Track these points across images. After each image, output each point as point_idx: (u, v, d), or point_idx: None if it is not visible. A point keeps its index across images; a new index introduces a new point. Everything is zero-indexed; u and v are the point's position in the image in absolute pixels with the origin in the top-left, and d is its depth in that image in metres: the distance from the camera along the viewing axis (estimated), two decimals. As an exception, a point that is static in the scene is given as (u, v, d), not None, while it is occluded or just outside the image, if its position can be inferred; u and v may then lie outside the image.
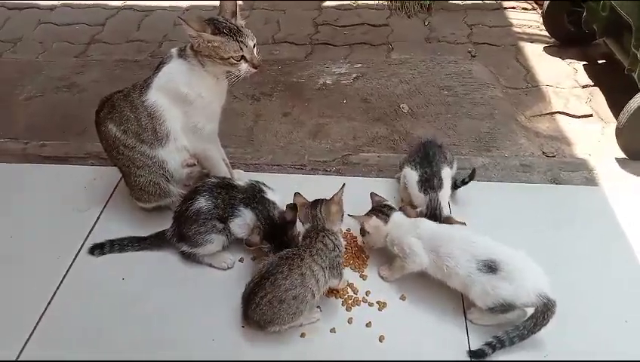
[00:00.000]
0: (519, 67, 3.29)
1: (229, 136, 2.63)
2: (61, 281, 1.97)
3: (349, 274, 1.93)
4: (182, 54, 1.93)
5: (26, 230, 2.19)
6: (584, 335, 1.72)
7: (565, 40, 3.39)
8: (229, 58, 1.83)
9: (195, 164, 2.12)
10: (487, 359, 1.65)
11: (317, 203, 1.82)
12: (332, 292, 1.86)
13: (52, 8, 4.26)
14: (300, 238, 1.82)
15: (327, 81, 3.20)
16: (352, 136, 2.79)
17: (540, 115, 2.89)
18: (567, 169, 2.39)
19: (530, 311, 1.66)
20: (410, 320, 1.80)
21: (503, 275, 1.64)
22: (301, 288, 1.65)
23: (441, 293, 1.83)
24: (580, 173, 2.37)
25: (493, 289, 1.63)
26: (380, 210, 1.90)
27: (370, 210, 1.93)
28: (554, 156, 2.59)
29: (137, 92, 1.98)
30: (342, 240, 1.81)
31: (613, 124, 2.59)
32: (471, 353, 1.67)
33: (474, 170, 2.14)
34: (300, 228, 1.89)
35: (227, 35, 1.82)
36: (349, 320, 1.80)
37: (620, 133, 2.42)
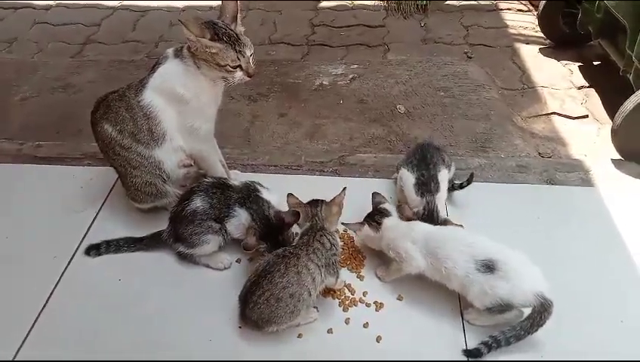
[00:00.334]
0: (515, 68, 3.30)
1: (226, 137, 2.63)
2: (57, 282, 1.96)
3: (346, 275, 1.94)
4: (178, 55, 1.92)
5: (22, 231, 2.18)
6: (580, 336, 1.72)
7: (561, 41, 3.40)
8: (225, 65, 1.84)
9: (191, 165, 2.12)
10: (483, 358, 1.65)
11: (317, 203, 1.83)
12: (329, 292, 1.86)
13: (47, 8, 4.25)
14: (297, 237, 1.82)
15: (324, 82, 3.20)
16: (349, 136, 2.79)
17: (536, 116, 2.90)
18: (562, 170, 2.40)
19: (527, 311, 1.67)
20: (407, 320, 1.80)
21: (500, 275, 1.64)
22: (297, 286, 1.66)
23: (438, 294, 1.83)
24: (575, 173, 2.38)
25: (491, 289, 1.64)
26: (373, 218, 1.90)
27: (365, 217, 1.93)
28: (550, 157, 2.60)
29: (133, 92, 1.97)
30: (339, 239, 1.81)
31: (608, 125, 2.60)
32: (466, 352, 1.68)
33: (472, 175, 2.14)
34: (294, 227, 1.89)
35: (226, 42, 1.82)
36: (346, 321, 1.80)
37: (615, 134, 2.42)
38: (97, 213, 2.22)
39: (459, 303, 1.83)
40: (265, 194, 1.95)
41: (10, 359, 1.74)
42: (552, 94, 3.05)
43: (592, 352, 1.68)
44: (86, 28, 3.97)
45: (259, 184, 2.00)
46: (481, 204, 2.18)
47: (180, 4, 4.19)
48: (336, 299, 1.86)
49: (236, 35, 1.85)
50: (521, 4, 3.98)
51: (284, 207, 1.93)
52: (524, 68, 3.29)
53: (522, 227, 2.06)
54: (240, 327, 1.77)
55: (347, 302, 1.85)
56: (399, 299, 1.87)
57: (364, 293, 1.89)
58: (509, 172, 2.40)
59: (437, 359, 1.69)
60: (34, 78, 3.36)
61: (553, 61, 3.33)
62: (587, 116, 2.87)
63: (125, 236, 2.06)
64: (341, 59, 3.47)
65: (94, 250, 2.04)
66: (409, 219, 1.92)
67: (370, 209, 1.98)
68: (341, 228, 1.99)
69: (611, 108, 2.71)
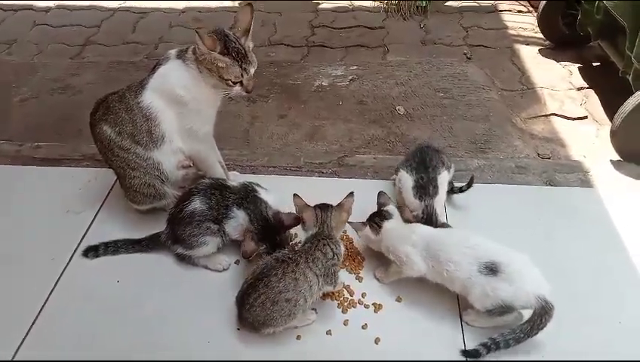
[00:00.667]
0: (514, 69, 3.30)
1: (225, 138, 2.63)
2: (56, 283, 1.96)
3: (345, 276, 1.93)
4: (181, 56, 1.92)
5: (20, 232, 2.18)
6: (579, 336, 1.72)
7: (560, 42, 3.40)
8: (227, 80, 1.86)
9: (190, 166, 2.12)
10: (481, 359, 1.64)
11: (327, 208, 1.80)
12: (328, 294, 1.85)
13: (47, 10, 4.25)
14: (302, 242, 1.81)
15: (323, 83, 3.20)
16: (348, 138, 2.79)
17: (535, 117, 2.90)
18: (562, 171, 2.40)
19: (527, 314, 1.66)
20: (405, 322, 1.80)
21: (503, 277, 1.63)
22: (294, 292, 1.65)
23: (437, 295, 1.83)
24: (574, 174, 2.37)
25: (493, 291, 1.63)
26: (375, 219, 1.89)
27: (369, 217, 1.92)
28: (549, 158, 2.60)
29: (132, 93, 1.97)
30: (342, 247, 1.79)
31: (607, 126, 2.60)
32: (465, 353, 1.67)
33: (472, 179, 2.14)
34: (301, 235, 1.89)
35: (234, 58, 1.83)
36: (345, 322, 1.80)
37: (614, 135, 2.42)
38: (96, 215, 2.22)
39: (458, 305, 1.82)
40: (263, 195, 1.95)
41: (9, 359, 1.74)
42: (552, 95, 3.05)
43: (590, 353, 1.68)
44: (86, 29, 3.97)
45: (257, 185, 2.00)
46: (480, 205, 2.17)
47: (180, 6, 4.19)
48: (335, 301, 1.86)
49: (244, 51, 1.86)
50: (521, 5, 3.98)
51: (283, 208, 1.93)
52: (523, 69, 3.29)
53: (521, 228, 2.05)
54: (238, 329, 1.77)
55: (346, 304, 1.85)
56: (398, 300, 1.86)
57: (363, 295, 1.88)
58: (509, 173, 2.40)
59: (435, 360, 1.69)
60: (33, 79, 3.37)
61: (553, 62, 3.33)
62: (586, 117, 2.87)
63: (124, 237, 2.06)
64: (341, 60, 3.47)
65: (92, 251, 2.04)
66: (408, 222, 1.91)
67: (373, 209, 1.97)
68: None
69: (610, 109, 2.71)
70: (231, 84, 1.88)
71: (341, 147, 2.72)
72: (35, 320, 1.85)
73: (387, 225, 1.86)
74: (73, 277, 1.99)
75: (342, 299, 1.87)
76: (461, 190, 2.16)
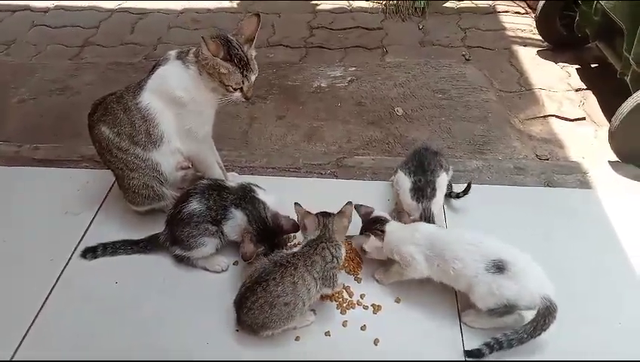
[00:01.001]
0: (513, 71, 3.31)
1: (224, 139, 2.63)
2: (54, 284, 1.96)
3: (344, 278, 1.93)
4: (181, 57, 1.92)
5: (19, 233, 2.17)
6: (578, 337, 1.72)
7: (558, 44, 3.42)
8: (228, 85, 1.87)
9: (189, 167, 2.12)
10: (484, 359, 1.64)
11: (328, 214, 1.81)
12: (327, 295, 1.85)
13: (46, 10, 4.25)
14: (301, 245, 1.80)
15: (322, 84, 3.20)
16: (347, 139, 2.79)
17: (534, 118, 2.91)
18: (560, 172, 2.40)
19: (528, 317, 1.66)
20: (404, 323, 1.80)
21: (509, 275, 1.62)
22: (292, 296, 1.65)
23: (436, 296, 1.83)
24: (573, 175, 2.38)
25: (498, 289, 1.62)
26: (374, 226, 1.87)
27: (364, 228, 1.91)
28: (547, 159, 2.60)
29: (131, 94, 1.97)
30: (343, 251, 1.78)
31: (606, 127, 2.61)
32: (467, 353, 1.66)
33: (469, 184, 2.15)
34: (299, 236, 1.88)
35: (236, 65, 1.84)
36: (344, 323, 1.80)
37: (612, 136, 2.43)
38: (94, 216, 2.22)
39: (457, 306, 1.82)
40: (261, 195, 1.94)
41: (8, 359, 1.74)
42: (550, 96, 3.05)
43: (589, 353, 1.68)
44: (84, 30, 3.97)
45: (255, 185, 2.00)
46: (478, 206, 2.18)
47: (178, 7, 4.19)
48: (334, 302, 1.86)
49: (247, 59, 1.87)
50: (519, 6, 3.99)
51: (282, 209, 1.93)
52: (521, 70, 3.30)
53: (520, 229, 2.05)
54: (237, 330, 1.77)
55: (345, 305, 1.85)
56: (397, 301, 1.86)
57: (362, 296, 1.88)
58: (507, 174, 2.40)
59: (436, 360, 1.69)
60: (32, 80, 3.36)
61: (551, 63, 3.34)
62: (585, 118, 2.88)
63: (122, 239, 2.05)
64: (339, 61, 3.48)
65: (91, 252, 2.03)
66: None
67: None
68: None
69: (609, 110, 2.71)
70: (231, 90, 1.89)
71: (340, 148, 2.72)
72: (33, 321, 1.84)
73: (388, 228, 1.86)
74: (72, 278, 1.98)
75: (341, 300, 1.86)
76: (458, 196, 2.16)
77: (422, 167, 2.06)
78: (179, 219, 1.91)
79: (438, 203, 2.03)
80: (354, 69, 3.33)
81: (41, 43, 3.85)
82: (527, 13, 3.89)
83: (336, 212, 1.82)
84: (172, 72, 1.92)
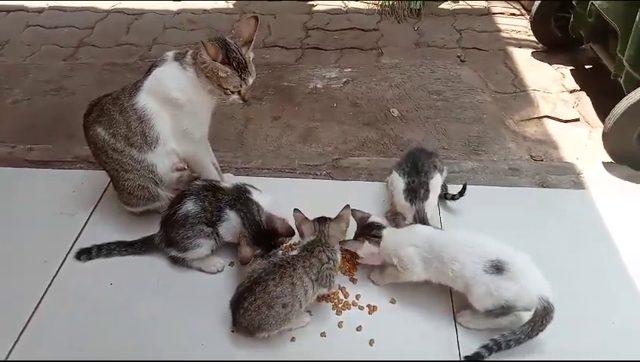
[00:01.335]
0: (508, 72, 3.32)
1: (220, 140, 2.63)
2: (49, 285, 1.95)
3: (340, 278, 1.93)
4: (178, 58, 1.92)
5: (13, 234, 2.16)
6: (572, 337, 1.73)
7: (553, 45, 3.43)
8: (226, 89, 1.87)
9: (184, 168, 2.11)
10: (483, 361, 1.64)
11: (325, 220, 1.82)
12: (323, 296, 1.85)
13: (40, 11, 4.23)
14: (299, 248, 1.80)
15: (318, 85, 3.21)
16: (343, 140, 2.79)
17: (528, 120, 2.92)
18: (554, 173, 2.42)
19: (525, 318, 1.67)
20: (400, 323, 1.80)
21: (508, 275, 1.63)
22: (290, 297, 1.65)
23: (431, 297, 1.84)
24: (567, 176, 2.39)
25: (496, 290, 1.62)
26: (370, 233, 1.87)
27: (359, 233, 1.91)
28: (542, 160, 2.61)
29: (127, 95, 1.97)
30: (339, 256, 1.80)
31: (600, 128, 2.62)
32: (466, 358, 1.66)
33: (464, 186, 2.15)
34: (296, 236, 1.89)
35: (234, 68, 1.84)
36: (339, 324, 1.80)
37: (606, 137, 2.44)
38: (89, 217, 2.21)
39: (452, 306, 1.83)
40: (256, 196, 1.94)
41: (3, 359, 1.74)
42: (544, 98, 3.07)
43: (583, 353, 1.69)
44: (79, 31, 3.95)
45: (250, 186, 2.00)
46: (473, 207, 2.18)
47: (174, 7, 4.18)
48: (330, 303, 1.86)
49: (245, 62, 1.87)
50: (514, 8, 4.01)
51: (277, 209, 1.93)
52: (516, 71, 3.31)
53: (514, 230, 2.05)
54: (233, 331, 1.77)
55: (340, 306, 1.85)
56: (392, 302, 1.87)
57: (358, 296, 1.88)
58: (502, 175, 2.41)
59: (433, 360, 1.69)
60: (26, 80, 3.35)
61: (545, 65, 3.35)
62: (579, 119, 2.89)
63: (117, 240, 2.05)
64: (335, 62, 3.48)
65: (85, 254, 2.03)
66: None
67: (368, 210, 1.96)
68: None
69: (602, 111, 2.73)
70: (229, 93, 1.89)
71: (335, 149, 2.73)
72: (28, 322, 1.84)
73: (385, 233, 1.86)
74: (66, 279, 1.98)
75: (336, 300, 1.87)
76: (454, 197, 2.17)
77: (416, 168, 2.06)
78: (173, 221, 1.91)
79: (431, 204, 2.03)
80: (349, 70, 3.33)
81: (35, 43, 3.83)
82: (522, 15, 3.91)
83: (333, 214, 1.82)
84: (169, 73, 1.92)
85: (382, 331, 1.78)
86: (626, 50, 2.44)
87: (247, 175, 2.42)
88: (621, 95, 2.41)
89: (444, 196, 2.18)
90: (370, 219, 1.93)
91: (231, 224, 1.90)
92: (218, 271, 1.98)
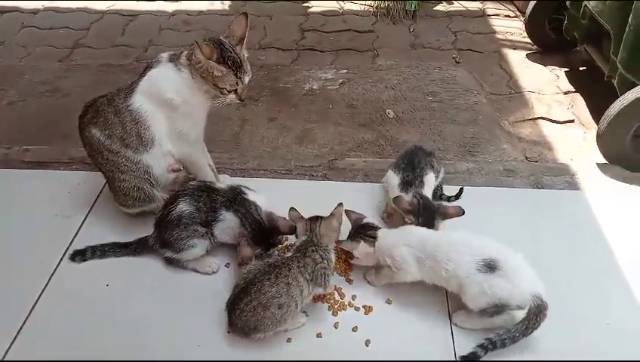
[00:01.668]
0: (502, 73, 3.33)
1: (216, 141, 2.63)
2: (45, 286, 1.95)
3: (336, 279, 1.93)
4: (173, 60, 1.92)
5: (9, 235, 2.16)
6: (566, 337, 1.74)
7: (547, 47, 3.45)
8: (222, 88, 1.87)
9: (180, 169, 2.11)
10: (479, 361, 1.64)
11: (316, 219, 1.82)
12: (319, 296, 1.85)
13: (35, 12, 4.22)
14: (293, 249, 1.81)
15: (314, 87, 3.21)
16: (339, 141, 2.80)
17: (523, 121, 2.93)
18: (549, 173, 2.43)
19: (519, 317, 1.67)
20: (396, 324, 1.81)
21: (500, 273, 1.64)
22: (286, 297, 1.65)
23: (426, 297, 1.84)
24: (562, 177, 2.40)
25: (490, 289, 1.63)
26: (365, 233, 1.88)
27: (355, 234, 1.91)
28: (536, 161, 2.63)
29: (122, 96, 1.97)
30: (333, 255, 1.80)
31: (594, 129, 2.64)
32: (462, 358, 1.66)
33: (461, 189, 2.18)
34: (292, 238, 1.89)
35: (230, 67, 1.85)
36: (335, 325, 1.81)
37: (600, 138, 2.45)
38: (85, 218, 2.21)
39: (447, 306, 1.84)
40: (252, 196, 1.94)
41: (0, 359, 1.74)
42: (539, 99, 3.08)
43: (577, 353, 1.70)
44: (75, 32, 3.94)
45: (245, 186, 1.99)
46: (468, 208, 2.16)
47: (170, 9, 4.18)
48: (326, 303, 1.86)
49: (240, 61, 1.87)
50: (509, 9, 4.02)
51: (271, 209, 1.93)
52: (511, 73, 3.32)
53: (509, 230, 2.07)
54: (229, 332, 1.77)
55: (336, 306, 1.85)
56: (388, 302, 1.87)
57: (353, 297, 1.89)
58: (497, 176, 2.42)
59: (430, 360, 1.70)
60: (21, 82, 3.34)
61: (540, 66, 3.37)
62: (573, 121, 2.91)
63: (113, 241, 2.05)
64: (331, 63, 3.48)
65: (79, 255, 2.02)
66: (406, 211, 1.92)
67: (363, 211, 1.97)
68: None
69: (597, 112, 2.74)
70: (225, 92, 1.89)
71: (331, 150, 2.73)
72: (24, 322, 1.84)
73: (380, 233, 1.87)
74: (62, 280, 1.97)
75: (332, 301, 1.87)
76: (449, 199, 2.18)
77: (412, 165, 2.07)
78: (167, 221, 1.90)
79: (427, 193, 2.02)
80: (345, 71, 3.34)
81: (30, 44, 3.82)
82: (516, 17, 3.92)
83: (327, 214, 1.83)
84: (164, 74, 1.92)
85: (378, 331, 1.78)
86: (619, 52, 2.46)
87: (244, 176, 2.42)
88: (615, 96, 2.43)
89: (440, 197, 2.19)
90: (365, 221, 1.94)
91: (227, 225, 1.90)
92: (213, 272, 1.97)
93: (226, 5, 4.23)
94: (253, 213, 1.89)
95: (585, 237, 2.09)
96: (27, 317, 1.85)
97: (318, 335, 1.77)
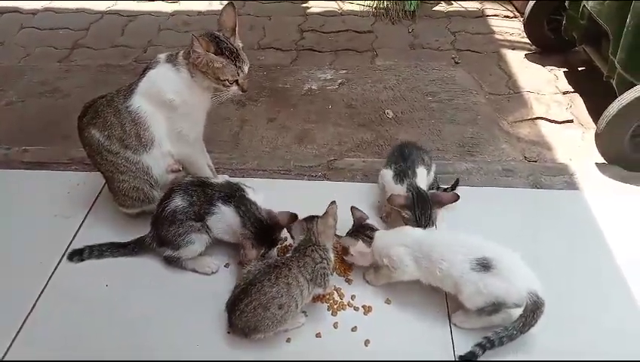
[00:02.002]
0: (501, 74, 3.34)
1: (215, 142, 2.63)
2: (44, 287, 1.95)
3: (335, 279, 1.93)
4: (171, 60, 1.92)
5: (8, 236, 2.16)
6: (566, 337, 1.74)
7: (546, 47, 3.45)
8: (224, 80, 1.87)
9: (179, 170, 2.11)
10: (478, 360, 1.65)
11: (312, 218, 1.83)
12: (318, 296, 1.85)
13: (35, 13, 4.22)
14: (292, 249, 1.81)
15: (313, 87, 3.21)
16: (338, 141, 2.80)
17: (522, 121, 2.94)
18: (548, 173, 2.43)
19: (516, 315, 1.67)
20: (395, 324, 1.81)
21: (495, 272, 1.64)
22: (287, 297, 1.65)
23: (426, 297, 1.85)
24: (560, 177, 2.40)
25: (485, 288, 1.63)
26: (364, 233, 1.88)
27: (354, 231, 1.92)
28: (535, 161, 2.63)
29: (121, 97, 1.97)
30: (332, 254, 1.80)
31: (592, 129, 2.64)
32: (460, 357, 1.66)
33: (457, 181, 2.17)
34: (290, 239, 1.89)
35: (228, 57, 1.85)
36: (335, 325, 1.81)
37: (599, 138, 2.46)
38: (84, 219, 2.21)
39: (446, 306, 1.84)
40: (251, 195, 1.93)
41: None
42: (538, 99, 3.09)
43: (575, 352, 1.70)
44: (74, 32, 3.95)
45: (243, 184, 1.99)
46: (467, 208, 2.18)
47: (169, 9, 4.18)
48: (325, 303, 1.86)
49: (236, 50, 1.88)
50: (508, 10, 4.03)
51: (269, 207, 1.93)
52: (510, 73, 3.33)
53: (508, 230, 2.07)
54: (228, 332, 1.77)
55: (335, 306, 1.86)
56: (387, 302, 1.87)
57: (353, 297, 1.89)
58: (495, 176, 2.42)
59: (429, 360, 1.70)
60: (20, 82, 3.34)
61: (539, 66, 3.37)
62: (572, 121, 2.92)
63: (112, 241, 2.04)
64: (330, 64, 3.49)
65: (77, 255, 2.02)
66: (401, 206, 1.93)
67: (363, 210, 1.98)
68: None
69: (595, 112, 2.75)
70: (228, 84, 1.89)
71: (330, 150, 2.74)
72: (24, 322, 1.84)
73: (377, 234, 1.87)
74: (61, 280, 1.97)
75: (332, 301, 1.87)
76: (445, 191, 2.18)
77: (402, 156, 2.08)
78: (163, 218, 1.89)
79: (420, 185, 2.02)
80: (344, 71, 3.34)
81: (29, 45, 3.82)
82: (515, 17, 3.93)
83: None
84: (163, 75, 1.92)
85: (377, 331, 1.78)
86: (618, 53, 2.47)
87: (243, 176, 2.42)
88: (614, 96, 2.44)
89: (437, 190, 2.18)
90: (366, 222, 1.94)
91: (222, 218, 1.89)
92: (213, 273, 1.97)
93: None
94: (255, 211, 1.88)
95: (583, 237, 2.10)
96: (27, 317, 1.85)
97: (318, 335, 1.78)
